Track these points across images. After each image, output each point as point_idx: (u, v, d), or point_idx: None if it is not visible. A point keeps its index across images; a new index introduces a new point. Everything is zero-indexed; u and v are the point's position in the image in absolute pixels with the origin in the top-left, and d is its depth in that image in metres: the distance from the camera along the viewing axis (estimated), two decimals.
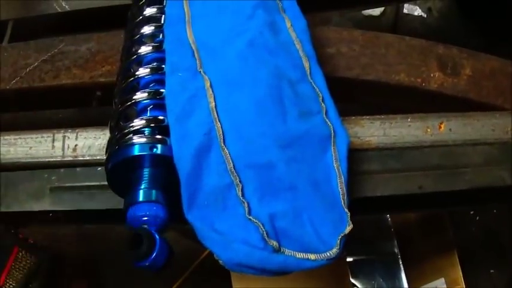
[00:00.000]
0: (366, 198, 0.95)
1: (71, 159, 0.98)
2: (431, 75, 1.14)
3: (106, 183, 0.85)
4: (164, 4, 1.02)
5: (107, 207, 0.94)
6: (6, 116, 1.34)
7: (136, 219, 0.77)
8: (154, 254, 0.71)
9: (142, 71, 0.91)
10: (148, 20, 1.00)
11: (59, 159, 0.98)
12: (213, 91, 0.85)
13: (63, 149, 0.98)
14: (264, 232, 0.72)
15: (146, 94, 0.88)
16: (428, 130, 1.01)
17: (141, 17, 1.01)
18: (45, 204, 0.95)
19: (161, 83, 0.90)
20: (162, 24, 0.99)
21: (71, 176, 0.97)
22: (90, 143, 0.98)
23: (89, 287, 2.05)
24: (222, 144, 0.79)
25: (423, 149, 1.00)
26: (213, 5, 1.01)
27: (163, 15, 1.00)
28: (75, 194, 0.95)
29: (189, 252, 1.81)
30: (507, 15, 2.09)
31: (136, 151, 0.80)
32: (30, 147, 0.99)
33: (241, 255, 0.72)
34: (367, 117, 1.01)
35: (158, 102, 0.87)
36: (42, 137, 1.00)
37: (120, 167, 0.81)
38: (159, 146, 0.81)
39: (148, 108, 0.88)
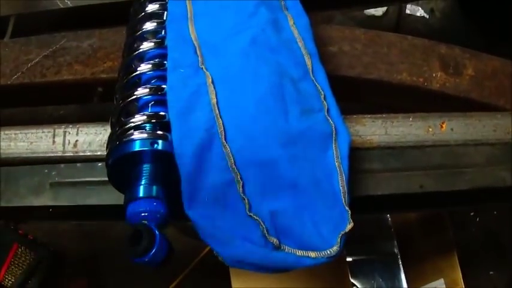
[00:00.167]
0: (367, 197, 0.95)
1: (72, 154, 0.97)
2: (434, 74, 1.14)
3: (106, 179, 0.85)
4: (166, 1, 1.01)
5: (107, 203, 0.94)
6: (8, 111, 1.34)
7: (136, 215, 0.77)
8: (153, 250, 0.71)
9: (144, 67, 0.91)
10: (151, 16, 1.00)
11: (59, 154, 0.98)
12: (214, 88, 0.85)
13: (63, 145, 0.98)
14: (265, 229, 0.72)
15: (147, 90, 0.88)
16: (430, 130, 1.01)
17: (143, 13, 1.00)
18: (45, 200, 0.95)
19: (163, 79, 0.89)
20: (164, 20, 0.98)
21: (71, 172, 0.96)
22: (90, 138, 0.98)
23: (89, 284, 2.05)
24: (224, 141, 0.79)
25: (424, 148, 1.00)
26: (216, 2, 1.01)
27: (165, 12, 1.00)
28: (75, 190, 0.95)
29: (189, 250, 1.81)
30: (509, 16, 2.08)
31: (137, 147, 0.80)
32: (31, 143, 0.99)
33: (242, 252, 0.72)
34: (369, 116, 1.01)
35: (159, 98, 0.87)
36: (43, 132, 1.00)
37: (120, 163, 0.81)
38: (160, 141, 0.81)
39: (150, 104, 0.87)
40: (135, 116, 0.84)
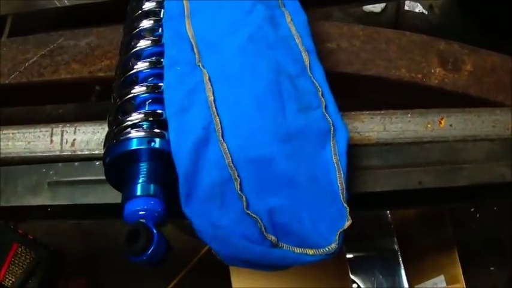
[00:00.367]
0: (366, 194, 0.95)
1: (69, 153, 0.97)
2: (432, 70, 1.14)
3: (104, 177, 0.85)
4: None
5: (105, 202, 0.93)
6: (6, 110, 1.34)
7: (134, 213, 0.76)
8: (151, 249, 0.71)
9: (141, 65, 0.91)
10: (148, 14, 1.00)
11: (57, 153, 0.98)
12: (211, 85, 0.85)
13: (61, 144, 0.98)
14: (263, 227, 0.72)
15: (145, 88, 0.87)
16: (429, 126, 1.01)
17: (140, 11, 1.00)
18: (43, 199, 0.95)
19: (160, 77, 0.89)
20: (161, 18, 0.98)
21: (69, 171, 0.96)
22: (88, 137, 0.98)
23: (88, 283, 2.05)
24: (221, 139, 0.79)
25: (423, 144, 0.99)
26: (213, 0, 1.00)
27: (162, 10, 0.99)
28: (73, 189, 0.95)
29: (189, 248, 1.81)
30: (508, 13, 2.08)
31: (134, 145, 0.80)
32: (29, 142, 0.99)
33: (240, 250, 0.72)
34: (367, 112, 1.01)
35: (157, 96, 0.87)
36: (40, 131, 1.00)
37: (118, 161, 0.81)
38: (157, 140, 0.80)
39: (147, 102, 0.87)
40: (132, 114, 0.84)
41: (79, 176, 0.95)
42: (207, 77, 0.86)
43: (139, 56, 0.94)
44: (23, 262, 1.83)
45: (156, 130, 0.82)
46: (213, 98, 0.83)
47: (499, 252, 2.07)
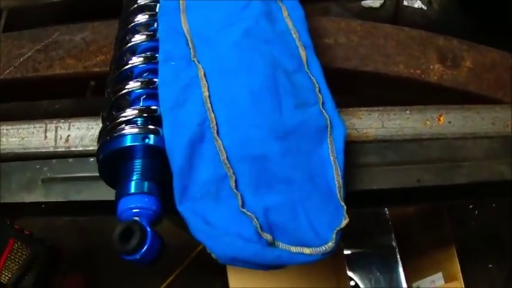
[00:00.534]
0: (363, 191, 0.94)
1: (64, 150, 0.96)
2: (431, 67, 1.13)
3: (98, 174, 0.84)
4: None
5: (100, 199, 0.92)
6: (2, 106, 1.33)
7: (127, 211, 0.75)
8: (145, 248, 0.70)
9: (136, 60, 0.90)
10: (143, 8, 0.98)
11: (51, 150, 0.96)
12: (207, 80, 0.84)
13: (55, 140, 0.97)
14: (258, 225, 0.70)
15: (139, 83, 0.86)
16: (428, 122, 1.00)
17: (135, 6, 0.99)
18: (37, 196, 0.94)
19: (155, 72, 0.88)
20: (157, 13, 0.97)
21: (63, 167, 0.95)
22: (82, 133, 0.96)
23: (85, 279, 2.04)
24: (216, 135, 0.78)
25: (422, 141, 0.98)
26: None
27: (157, 4, 0.98)
28: (67, 185, 0.94)
29: (186, 244, 1.80)
30: (507, 9, 2.07)
31: (128, 142, 0.78)
32: (23, 138, 0.98)
33: (235, 249, 0.70)
34: (365, 108, 1.00)
35: (151, 91, 0.86)
36: (34, 127, 0.99)
37: (111, 158, 0.80)
38: (151, 136, 0.79)
39: (141, 98, 0.86)
40: (127, 110, 0.83)
41: (73, 172, 0.94)
42: (202, 73, 0.84)
43: (134, 51, 0.93)
44: (19, 258, 1.83)
45: (151, 126, 0.80)
46: (208, 93, 0.82)
47: (498, 250, 2.07)
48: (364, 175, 0.93)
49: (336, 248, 0.74)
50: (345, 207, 0.77)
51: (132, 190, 0.77)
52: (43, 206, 0.96)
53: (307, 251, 0.72)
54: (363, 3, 2.44)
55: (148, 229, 0.71)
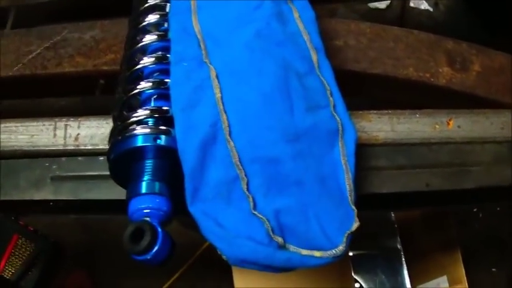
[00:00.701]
0: (372, 194, 0.94)
1: (73, 148, 0.96)
2: (440, 70, 1.13)
3: (108, 173, 0.84)
4: None
5: (108, 198, 0.93)
6: (8, 102, 1.33)
7: (138, 211, 0.75)
8: (156, 248, 0.70)
9: (147, 60, 0.90)
10: (153, 8, 0.98)
11: (60, 148, 0.96)
12: (219, 82, 0.83)
13: (65, 138, 0.97)
14: (269, 228, 0.70)
15: (150, 84, 0.86)
16: (437, 126, 1.00)
17: (146, 5, 0.99)
18: (45, 193, 0.94)
19: (165, 72, 0.88)
20: (167, 12, 0.97)
21: (72, 166, 0.95)
22: (92, 132, 0.96)
23: (89, 276, 2.04)
24: (228, 137, 0.78)
25: (431, 145, 0.98)
26: None
27: (168, 4, 0.98)
28: (76, 184, 0.94)
29: (191, 243, 1.80)
30: None
31: (139, 142, 0.79)
32: (32, 135, 0.98)
33: (245, 251, 0.70)
34: (375, 111, 1.00)
35: (162, 92, 0.86)
36: (43, 125, 0.99)
37: (122, 158, 0.80)
38: (163, 137, 0.79)
39: (152, 98, 0.86)
40: (138, 111, 0.83)
41: (82, 171, 0.94)
42: (214, 74, 0.84)
43: (144, 50, 0.93)
44: (23, 254, 1.82)
45: (162, 127, 0.81)
46: (220, 95, 0.82)
47: (502, 253, 2.07)
48: (374, 178, 0.93)
49: (346, 252, 0.74)
50: (356, 210, 0.76)
51: (143, 190, 0.77)
52: (51, 203, 0.96)
53: (317, 254, 0.72)
54: (370, 4, 2.44)
55: (159, 229, 0.71)
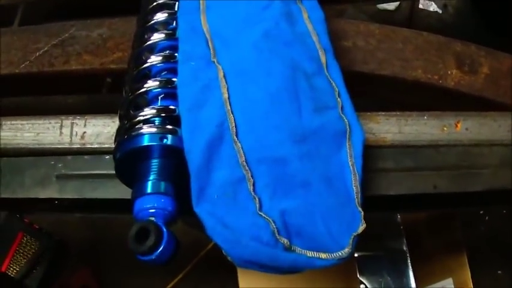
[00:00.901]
0: (378, 196, 0.93)
1: (79, 146, 0.96)
2: (449, 72, 1.12)
3: (114, 172, 0.83)
4: None
5: (114, 197, 0.92)
6: (14, 100, 1.33)
7: (143, 211, 0.75)
8: (161, 248, 0.69)
9: (154, 59, 0.89)
10: (162, 7, 0.98)
11: (66, 146, 0.96)
12: (226, 82, 0.83)
13: (71, 136, 0.96)
14: (275, 229, 0.70)
15: (158, 83, 0.86)
16: (445, 129, 0.99)
17: (154, 4, 0.98)
18: (51, 192, 0.94)
19: (173, 71, 0.88)
20: (176, 11, 0.96)
21: (78, 164, 0.95)
22: (98, 130, 0.96)
23: (93, 273, 2.04)
24: (235, 137, 0.77)
25: (439, 148, 0.98)
26: None
27: (176, 3, 0.98)
28: (81, 182, 0.93)
29: (195, 243, 1.80)
30: None
31: (145, 141, 0.78)
32: (38, 133, 0.98)
33: (251, 252, 0.70)
34: (383, 113, 0.99)
35: (169, 91, 0.85)
36: (49, 123, 0.98)
37: (128, 157, 0.79)
38: (169, 136, 0.79)
39: (159, 97, 0.86)
40: (144, 110, 0.82)
41: (88, 169, 0.94)
42: (222, 74, 0.84)
43: (152, 49, 0.93)
44: (28, 252, 1.82)
45: (169, 126, 0.80)
46: (227, 95, 0.81)
47: (507, 255, 2.06)
48: (381, 180, 0.93)
49: (352, 254, 0.73)
50: (362, 212, 0.76)
51: (149, 190, 0.76)
52: (56, 202, 0.96)
53: (323, 255, 0.72)
54: (378, 5, 2.43)
55: (164, 229, 0.71)
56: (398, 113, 0.99)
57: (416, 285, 1.75)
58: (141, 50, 0.93)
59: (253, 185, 0.74)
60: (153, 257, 0.70)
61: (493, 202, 1.16)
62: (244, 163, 0.76)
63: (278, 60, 0.87)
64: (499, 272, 2.05)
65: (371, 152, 0.93)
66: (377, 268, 1.78)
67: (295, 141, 0.79)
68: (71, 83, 1.21)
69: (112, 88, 1.16)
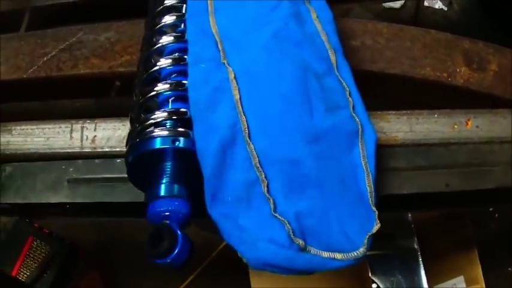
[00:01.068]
0: (390, 195, 0.93)
1: (90, 150, 0.96)
2: (458, 70, 1.12)
3: (125, 175, 0.84)
4: None
5: (126, 201, 0.92)
6: (22, 105, 1.33)
7: (157, 214, 0.75)
8: (176, 251, 0.70)
9: (164, 62, 0.89)
10: (169, 9, 0.98)
11: (77, 150, 0.96)
12: (237, 83, 0.83)
13: (81, 140, 0.96)
14: (290, 230, 0.70)
15: (168, 85, 0.85)
16: (455, 127, 0.99)
17: (162, 7, 0.98)
18: (63, 196, 0.94)
19: (183, 73, 0.87)
20: (183, 13, 0.96)
21: (89, 168, 0.95)
22: (109, 134, 0.96)
23: (102, 277, 2.04)
24: (247, 139, 0.77)
25: (450, 146, 0.98)
26: None
27: (184, 5, 0.97)
28: (93, 187, 0.94)
29: (206, 244, 1.80)
30: None
31: (158, 144, 0.78)
32: (48, 138, 0.98)
33: (266, 254, 0.70)
34: (393, 112, 0.99)
35: (180, 93, 0.85)
36: (60, 127, 0.98)
37: (141, 160, 0.79)
38: (181, 139, 0.79)
39: (170, 100, 0.86)
40: (156, 113, 0.82)
41: (99, 173, 0.94)
42: (233, 75, 0.83)
43: (161, 52, 0.92)
44: (38, 256, 1.82)
45: (181, 129, 0.80)
46: (239, 96, 0.81)
47: None
48: (394, 179, 0.93)
49: (366, 254, 0.73)
50: (377, 212, 0.76)
51: (162, 193, 0.77)
52: (67, 206, 0.96)
53: (338, 256, 0.72)
54: (384, 4, 2.43)
55: (179, 232, 0.71)
56: (409, 112, 0.99)
57: (427, 283, 1.75)
58: (150, 53, 0.93)
59: (267, 186, 0.74)
60: (168, 260, 0.70)
61: (503, 199, 1.15)
62: (258, 164, 0.75)
63: (288, 61, 0.86)
64: (510, 269, 2.05)
65: (383, 151, 0.93)
66: (389, 267, 1.78)
67: (308, 142, 0.79)
68: (80, 87, 1.21)
69: (121, 91, 1.16)
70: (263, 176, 0.74)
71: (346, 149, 0.81)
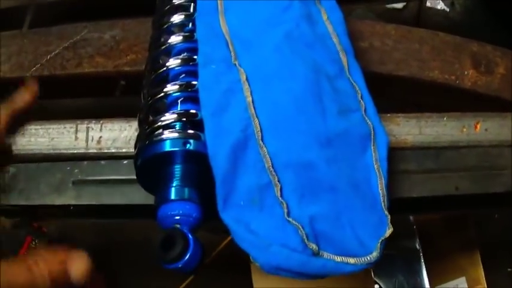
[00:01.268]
0: (399, 199, 0.93)
1: (95, 151, 0.94)
2: (465, 72, 1.12)
3: (132, 177, 0.83)
4: None
5: (132, 203, 0.91)
6: None
7: (168, 218, 0.74)
8: (187, 256, 0.69)
9: (172, 62, 0.88)
10: (177, 8, 0.96)
11: (82, 151, 0.95)
12: (249, 85, 0.82)
13: (86, 141, 0.95)
14: (304, 234, 0.69)
15: (177, 86, 0.84)
16: (464, 130, 0.98)
17: (170, 6, 0.97)
18: (68, 198, 0.92)
19: (192, 74, 0.86)
20: (192, 13, 0.95)
21: (94, 169, 0.94)
22: (115, 135, 0.95)
23: (105, 278, 2.03)
24: (260, 142, 0.76)
25: (459, 149, 0.97)
26: None
27: (192, 4, 0.96)
28: (99, 188, 0.92)
29: (207, 244, 1.79)
30: None
31: (168, 147, 0.77)
32: (52, 138, 0.96)
33: (279, 259, 0.69)
34: (403, 114, 0.98)
35: (189, 94, 0.84)
36: (64, 127, 0.97)
37: (150, 163, 0.78)
38: (192, 141, 0.77)
39: (179, 101, 0.84)
40: (165, 114, 0.81)
41: (105, 175, 0.93)
42: (244, 77, 0.82)
43: (169, 52, 0.91)
44: None
45: (191, 131, 0.79)
46: (251, 98, 0.80)
47: None
48: (404, 182, 0.92)
49: (379, 258, 0.73)
50: (389, 216, 0.75)
51: (173, 197, 0.75)
52: (71, 208, 0.95)
53: (351, 261, 0.71)
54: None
55: (190, 236, 0.70)
56: (418, 115, 0.99)
57: (429, 284, 1.75)
58: (158, 53, 0.91)
59: (281, 190, 0.73)
60: (180, 265, 0.69)
61: (505, 202, 1.15)
62: (271, 168, 0.74)
63: (300, 62, 0.85)
64: (510, 269, 2.04)
65: (393, 154, 0.92)
66: (391, 268, 1.78)
67: (321, 145, 0.78)
68: (84, 86, 1.20)
69: (126, 90, 1.15)
70: (276, 179, 0.73)
71: (359, 152, 0.80)
